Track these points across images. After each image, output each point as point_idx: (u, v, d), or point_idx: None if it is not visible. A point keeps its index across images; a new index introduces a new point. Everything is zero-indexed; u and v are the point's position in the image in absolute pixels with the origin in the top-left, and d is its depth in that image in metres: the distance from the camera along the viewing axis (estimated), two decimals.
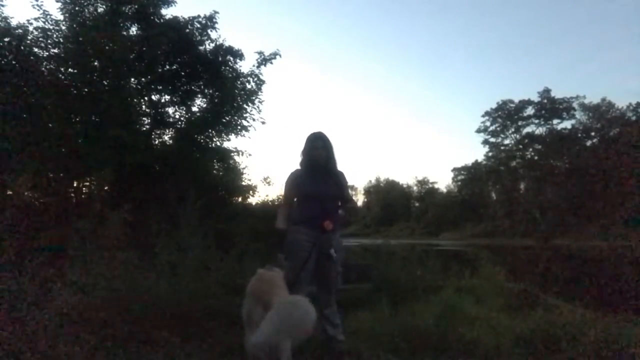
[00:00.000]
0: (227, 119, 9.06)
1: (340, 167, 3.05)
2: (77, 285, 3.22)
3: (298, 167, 3.05)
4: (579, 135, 39.13)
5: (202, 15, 8.91)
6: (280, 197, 9.22)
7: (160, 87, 9.16)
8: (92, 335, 2.83)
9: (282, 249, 2.87)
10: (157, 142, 9.06)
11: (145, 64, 8.54)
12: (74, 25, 7.68)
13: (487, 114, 44.06)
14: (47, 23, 7.50)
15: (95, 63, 7.68)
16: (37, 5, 7.31)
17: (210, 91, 9.27)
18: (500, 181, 44.57)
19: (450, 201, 51.79)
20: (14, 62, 6.78)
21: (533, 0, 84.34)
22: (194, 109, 9.49)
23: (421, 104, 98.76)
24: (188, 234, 4.13)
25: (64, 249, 3.79)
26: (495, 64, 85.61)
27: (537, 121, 41.40)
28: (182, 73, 9.13)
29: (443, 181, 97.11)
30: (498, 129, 43.70)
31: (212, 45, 9.11)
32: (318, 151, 2.92)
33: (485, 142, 44.80)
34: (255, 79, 9.12)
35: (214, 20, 8.94)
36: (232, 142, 9.79)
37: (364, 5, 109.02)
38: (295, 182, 2.96)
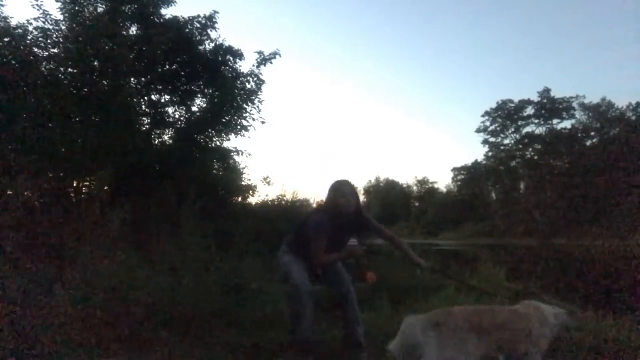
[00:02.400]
0: (227, 119, 9.07)
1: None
2: (77, 286, 3.22)
3: (321, 211, 3.04)
4: (579, 135, 39.12)
5: (202, 15, 8.95)
6: (283, 197, 9.30)
7: (160, 87, 9.17)
8: (92, 335, 2.83)
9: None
10: (157, 142, 9.07)
11: (145, 64, 8.55)
12: (74, 25, 7.68)
13: (487, 114, 44.04)
14: (47, 23, 7.52)
15: (95, 63, 7.69)
16: (37, 5, 7.32)
17: (210, 91, 9.28)
18: (500, 181, 44.56)
19: (450, 201, 51.73)
20: (14, 62, 6.78)
21: (533, 0, 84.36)
22: (194, 109, 9.53)
23: (421, 103, 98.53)
24: (188, 234, 4.13)
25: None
26: (495, 64, 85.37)
27: (537, 121, 41.40)
28: (182, 73, 9.14)
29: (443, 181, 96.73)
30: (498, 129, 43.68)
31: (212, 45, 9.15)
32: (347, 198, 2.89)
33: (485, 142, 44.79)
34: (255, 79, 9.15)
35: (214, 20, 8.96)
36: (232, 142, 9.81)
37: (364, 5, 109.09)
38: (326, 235, 2.85)
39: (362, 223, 3.04)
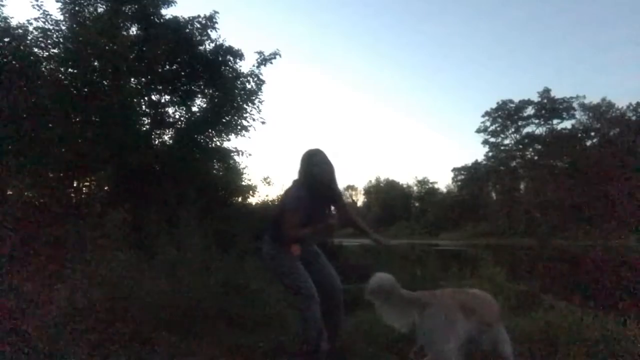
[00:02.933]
0: (227, 119, 9.06)
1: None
2: (77, 285, 3.22)
3: (295, 185, 2.81)
4: (579, 135, 39.14)
5: (202, 15, 8.94)
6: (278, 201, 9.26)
7: (160, 87, 9.17)
8: (93, 335, 2.83)
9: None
10: (157, 142, 9.06)
11: (145, 64, 8.55)
12: (74, 25, 7.69)
13: (487, 114, 44.07)
14: (47, 23, 7.51)
15: (95, 63, 7.69)
16: (37, 5, 7.32)
17: (210, 91, 9.28)
18: (500, 181, 44.57)
19: (450, 201, 51.71)
20: (14, 62, 6.78)
21: (533, 0, 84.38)
22: (194, 109, 9.52)
23: (421, 104, 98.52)
24: (188, 234, 4.13)
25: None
26: (495, 64, 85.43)
27: (537, 121, 41.42)
28: (182, 73, 9.14)
29: (443, 181, 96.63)
30: (498, 129, 43.70)
31: (212, 45, 9.14)
32: (320, 167, 2.74)
33: (485, 142, 44.80)
34: (255, 79, 9.14)
35: (214, 20, 8.95)
36: (232, 142, 9.79)
37: (364, 5, 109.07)
38: (303, 208, 2.69)
39: (335, 195, 2.88)
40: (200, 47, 9.04)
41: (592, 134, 38.53)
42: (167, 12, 9.12)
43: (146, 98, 9.16)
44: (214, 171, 9.38)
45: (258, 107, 9.32)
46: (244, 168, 9.79)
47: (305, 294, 2.67)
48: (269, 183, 9.61)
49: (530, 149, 42.53)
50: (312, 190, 2.73)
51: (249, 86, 9.14)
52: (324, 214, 2.80)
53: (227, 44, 9.23)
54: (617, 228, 27.32)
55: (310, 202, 2.70)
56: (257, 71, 9.11)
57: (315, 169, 2.73)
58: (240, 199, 9.52)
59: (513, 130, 42.84)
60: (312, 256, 2.88)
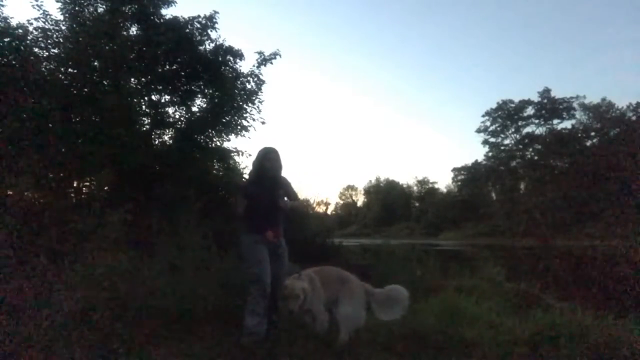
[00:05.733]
0: (227, 119, 9.05)
1: (286, 175, 3.55)
2: (77, 285, 3.21)
3: (249, 175, 3.49)
4: (579, 135, 39.13)
5: (202, 15, 8.90)
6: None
7: (160, 87, 9.15)
8: (92, 335, 2.83)
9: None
10: (157, 142, 9.04)
11: (145, 64, 8.53)
12: (74, 25, 7.67)
13: (487, 114, 44.08)
14: (47, 23, 7.50)
15: (95, 63, 7.67)
16: (37, 5, 7.30)
17: (210, 91, 9.26)
18: (500, 181, 44.55)
19: (450, 201, 51.73)
20: (14, 62, 6.77)
21: (533, 0, 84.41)
22: (194, 109, 9.49)
23: (421, 104, 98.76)
24: (188, 234, 4.13)
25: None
26: (495, 64, 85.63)
27: (537, 121, 41.42)
28: (182, 73, 9.11)
29: (443, 181, 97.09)
30: (498, 129, 43.70)
31: (212, 45, 9.10)
32: (270, 162, 3.36)
33: (485, 142, 44.80)
34: (255, 79, 9.12)
35: (214, 20, 8.93)
36: (232, 142, 9.78)
37: (363, 5, 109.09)
38: (247, 191, 3.38)
39: (279, 185, 3.44)
40: (200, 47, 9.01)
41: (592, 134, 38.52)
42: (167, 12, 9.10)
43: (146, 98, 9.14)
44: (214, 171, 9.36)
45: (258, 107, 9.31)
46: (244, 168, 9.80)
47: (261, 286, 3.17)
48: None
49: (530, 149, 42.52)
50: (260, 180, 3.37)
51: (249, 86, 9.13)
52: (271, 200, 3.33)
53: (227, 44, 9.21)
54: (618, 227, 27.29)
55: (256, 188, 3.34)
56: (257, 71, 9.09)
57: (267, 163, 3.37)
58: None
59: (513, 130, 42.86)
60: (279, 249, 3.41)
